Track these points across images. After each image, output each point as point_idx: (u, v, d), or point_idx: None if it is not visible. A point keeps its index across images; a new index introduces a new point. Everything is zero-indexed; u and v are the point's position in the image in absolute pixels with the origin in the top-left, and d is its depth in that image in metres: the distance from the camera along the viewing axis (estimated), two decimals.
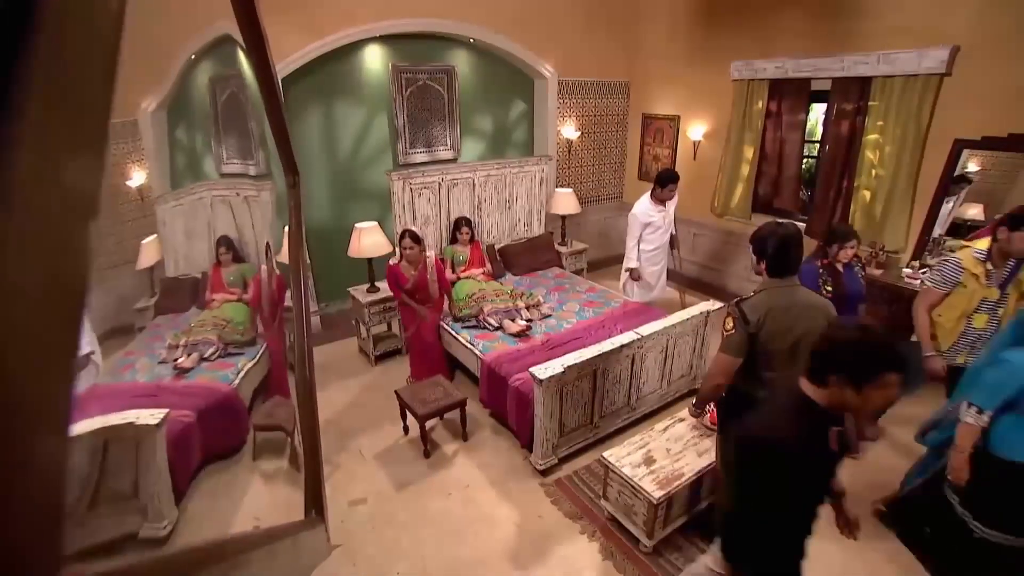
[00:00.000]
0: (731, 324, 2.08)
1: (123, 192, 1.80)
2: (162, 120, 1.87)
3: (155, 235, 2.08)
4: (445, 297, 4.09)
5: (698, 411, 2.61)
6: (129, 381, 2.30)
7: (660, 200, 4.23)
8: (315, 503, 0.90)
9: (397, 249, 3.81)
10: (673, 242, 4.60)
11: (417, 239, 3.70)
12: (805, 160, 5.02)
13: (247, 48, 0.73)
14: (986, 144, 3.69)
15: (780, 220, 2.25)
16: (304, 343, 0.99)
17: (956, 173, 3.87)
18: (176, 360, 2.53)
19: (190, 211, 2.30)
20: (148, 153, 1.86)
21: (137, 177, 1.80)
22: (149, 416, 2.10)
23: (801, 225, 4.92)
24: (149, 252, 2.10)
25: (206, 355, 2.63)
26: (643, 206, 4.25)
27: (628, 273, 4.46)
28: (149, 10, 1.68)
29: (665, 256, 4.57)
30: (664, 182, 4.16)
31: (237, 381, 2.72)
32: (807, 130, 4.94)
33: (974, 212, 3.94)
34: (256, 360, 2.89)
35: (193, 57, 1.84)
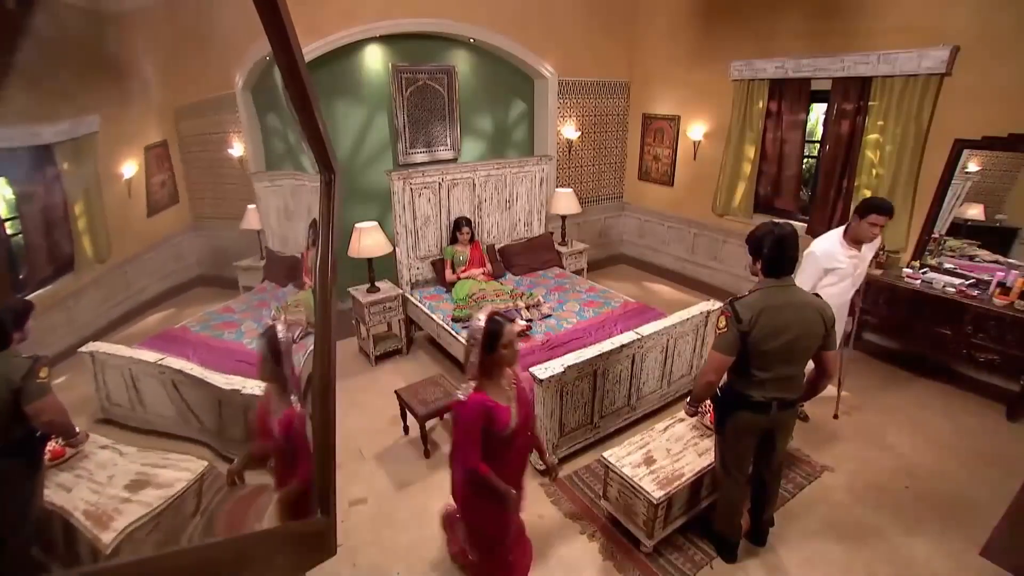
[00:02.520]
0: (724, 323, 2.10)
1: (225, 156, 1.99)
2: (248, 100, 2.05)
3: (254, 205, 2.26)
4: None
5: (692, 409, 2.60)
6: (235, 342, 2.42)
7: (856, 240, 2.97)
8: (324, 502, 0.91)
9: (472, 356, 1.94)
10: (853, 301, 3.28)
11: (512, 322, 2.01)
12: (805, 160, 5.02)
13: (269, 36, 0.72)
14: (986, 144, 3.70)
15: (776, 220, 2.25)
16: (326, 341, 0.99)
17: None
18: None
19: (290, 194, 2.44)
20: (243, 126, 2.04)
21: (237, 146, 1.98)
22: (257, 387, 2.28)
23: (802, 225, 4.93)
24: (251, 217, 2.25)
25: (296, 336, 2.69)
26: (828, 244, 3.01)
27: None
28: None
29: (843, 317, 3.22)
30: (864, 211, 2.85)
31: (301, 363, 2.79)
32: (807, 130, 4.94)
33: (974, 212, 3.94)
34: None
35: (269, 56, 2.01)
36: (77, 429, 1.61)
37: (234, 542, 0.57)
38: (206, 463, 1.79)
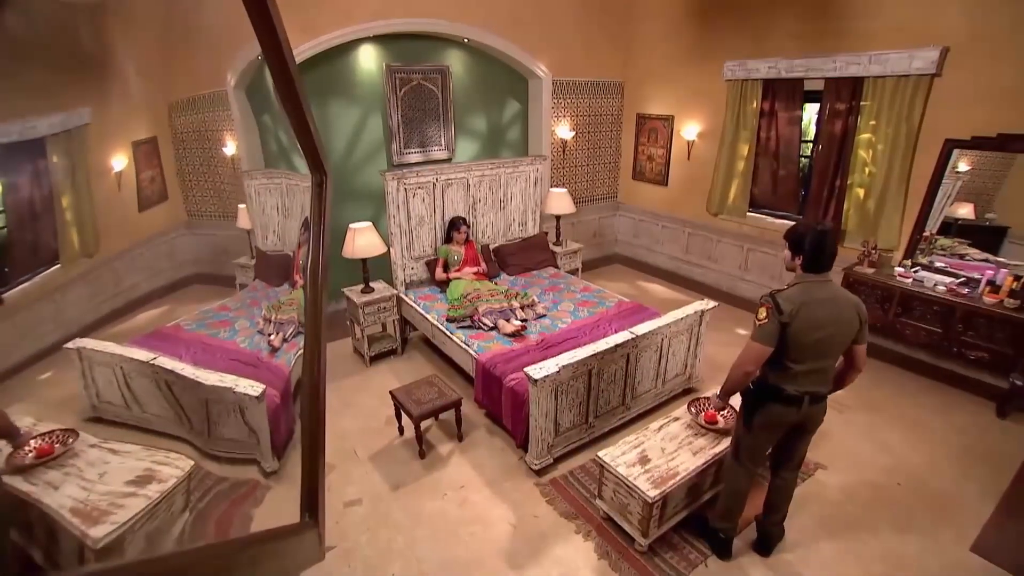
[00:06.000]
0: (764, 314, 2.12)
1: (221, 154, 1.96)
2: (242, 99, 2.05)
3: (244, 205, 2.26)
4: None
5: (724, 401, 2.58)
6: (229, 340, 2.44)
7: None
8: (310, 506, 0.90)
9: None
10: None
11: None
12: (799, 159, 5.04)
13: (259, 37, 0.71)
14: (976, 144, 3.73)
15: (819, 220, 2.31)
16: (316, 343, 0.98)
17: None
18: (269, 336, 2.61)
19: (284, 193, 2.45)
20: (236, 124, 2.03)
21: (230, 145, 1.99)
22: (250, 387, 2.31)
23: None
24: (243, 217, 2.25)
25: (287, 335, 2.70)
26: None
27: None
28: None
29: None
30: None
31: (292, 362, 2.80)
32: (801, 129, 4.96)
33: (964, 211, 3.98)
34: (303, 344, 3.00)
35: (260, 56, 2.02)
36: (21, 429, 1.58)
37: (216, 547, 0.56)
38: (192, 463, 1.79)
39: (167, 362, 1.96)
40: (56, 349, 1.61)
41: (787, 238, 2.19)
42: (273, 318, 2.61)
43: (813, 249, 2.09)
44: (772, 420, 2.30)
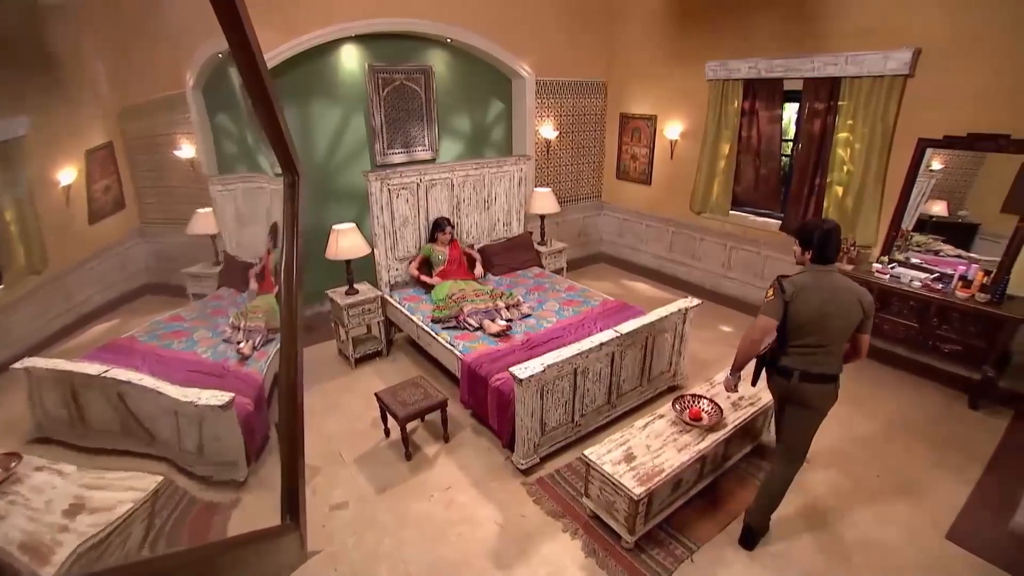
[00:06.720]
0: (771, 293, 2.38)
1: (172, 158, 1.89)
2: (199, 100, 1.94)
3: (210, 208, 2.16)
4: None
5: (736, 376, 2.63)
6: (188, 351, 2.32)
7: None
8: (291, 509, 0.89)
9: None
10: None
11: None
12: (780, 157, 5.12)
13: (226, 33, 0.70)
14: (947, 143, 3.83)
15: (824, 218, 2.47)
16: (292, 346, 0.96)
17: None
18: (239, 344, 2.54)
19: (243, 198, 2.37)
20: (195, 127, 1.97)
21: (186, 148, 1.91)
22: (214, 397, 2.19)
23: (776, 222, 5.05)
24: (204, 221, 2.14)
25: (257, 343, 2.63)
26: None
27: None
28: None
29: None
30: None
31: (265, 370, 2.72)
32: (781, 128, 5.04)
33: (938, 209, 4.08)
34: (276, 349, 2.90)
35: (222, 55, 1.93)
36: None
37: (199, 550, 0.55)
38: (160, 478, 1.66)
39: (122, 373, 1.82)
40: (2, 370, 1.50)
41: (796, 235, 2.41)
42: (242, 325, 2.53)
43: (820, 244, 2.31)
44: (772, 389, 2.58)
